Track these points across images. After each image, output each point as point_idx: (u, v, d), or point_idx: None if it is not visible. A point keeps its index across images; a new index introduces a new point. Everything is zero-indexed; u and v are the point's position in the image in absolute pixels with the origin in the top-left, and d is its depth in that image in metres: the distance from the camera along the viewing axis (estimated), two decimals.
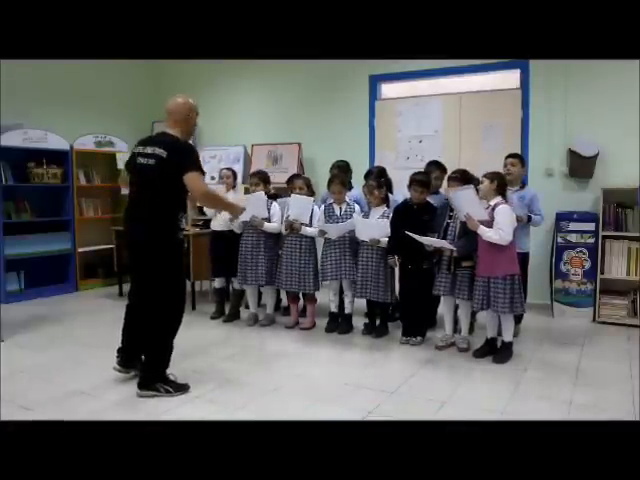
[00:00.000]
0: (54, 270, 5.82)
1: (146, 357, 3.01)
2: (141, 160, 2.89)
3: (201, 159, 2.98)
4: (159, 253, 2.90)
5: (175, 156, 2.81)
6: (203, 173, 2.91)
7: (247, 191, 4.70)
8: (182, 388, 3.01)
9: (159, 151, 2.82)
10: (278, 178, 5.56)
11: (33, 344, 3.99)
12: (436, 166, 4.24)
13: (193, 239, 4.92)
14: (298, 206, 4.11)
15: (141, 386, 2.96)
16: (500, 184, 3.47)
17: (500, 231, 3.34)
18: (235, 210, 3.43)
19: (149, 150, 2.87)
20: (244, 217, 4.10)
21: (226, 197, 3.71)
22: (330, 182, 4.18)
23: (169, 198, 2.88)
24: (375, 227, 3.90)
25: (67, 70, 5.79)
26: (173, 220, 2.92)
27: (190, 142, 3.03)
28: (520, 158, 4.13)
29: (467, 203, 3.42)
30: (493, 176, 3.48)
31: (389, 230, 3.82)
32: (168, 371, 3.04)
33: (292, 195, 4.17)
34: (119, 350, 3.19)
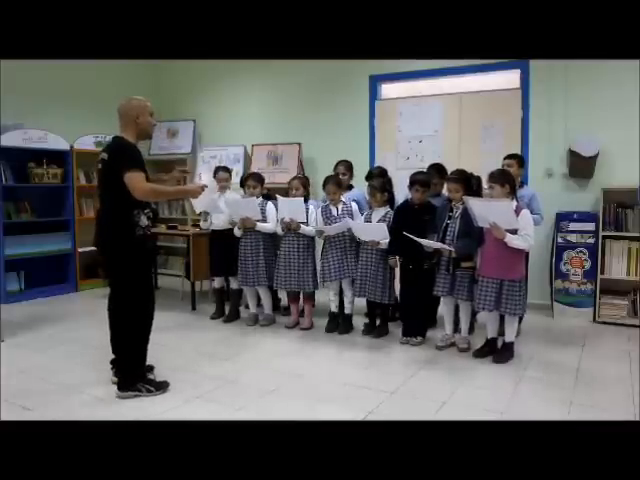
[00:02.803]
0: (54, 270, 5.82)
1: (121, 360, 3.02)
2: (98, 166, 3.00)
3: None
4: (118, 254, 2.92)
5: (114, 157, 2.89)
6: (142, 170, 2.90)
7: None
8: (162, 386, 3.04)
9: (104, 155, 2.94)
10: (278, 178, 5.57)
11: (33, 344, 3.99)
12: (436, 171, 4.20)
13: (193, 239, 4.93)
14: (289, 208, 4.12)
15: (121, 387, 2.97)
16: (511, 185, 3.45)
17: (528, 237, 3.34)
18: (189, 192, 3.41)
19: (102, 155, 2.98)
20: (235, 218, 4.25)
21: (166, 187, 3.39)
22: (325, 183, 4.18)
23: (117, 198, 2.88)
24: (372, 230, 3.91)
25: (67, 70, 5.79)
26: (127, 218, 2.89)
27: (134, 143, 3.01)
28: (518, 159, 4.12)
29: (498, 214, 3.30)
30: (502, 179, 3.43)
31: (386, 232, 3.82)
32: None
33: (279, 198, 4.19)
34: (112, 362, 3.20)
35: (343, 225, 4.03)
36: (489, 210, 3.34)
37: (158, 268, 6.23)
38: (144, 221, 2.94)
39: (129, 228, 2.89)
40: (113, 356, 3.20)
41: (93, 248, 5.72)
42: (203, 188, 3.28)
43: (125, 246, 2.91)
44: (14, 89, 5.35)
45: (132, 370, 3.00)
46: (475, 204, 3.40)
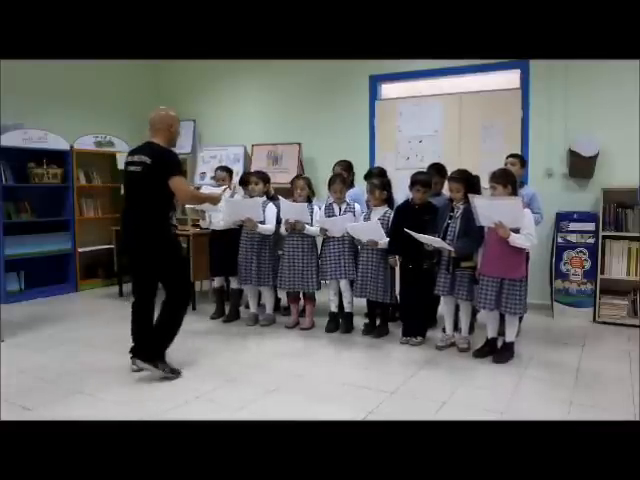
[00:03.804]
0: (54, 270, 5.82)
1: (156, 333, 3.21)
2: (131, 168, 3.17)
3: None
4: (158, 249, 3.16)
5: (158, 162, 3.08)
6: (184, 175, 3.23)
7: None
8: (175, 372, 3.22)
9: (144, 158, 3.10)
10: (279, 178, 5.56)
11: (33, 344, 3.99)
12: (436, 171, 4.20)
13: (193, 239, 4.92)
14: (292, 211, 4.11)
15: (142, 357, 3.15)
16: (513, 186, 3.44)
17: (530, 236, 3.35)
18: (214, 200, 3.63)
19: (136, 158, 3.15)
20: (236, 219, 4.26)
21: (201, 192, 4.14)
22: (331, 181, 4.18)
23: (157, 200, 3.13)
24: (368, 229, 3.90)
25: (67, 70, 5.79)
26: (164, 219, 3.20)
27: (172, 149, 3.27)
28: (520, 158, 4.14)
29: (504, 213, 3.28)
30: (505, 180, 3.41)
31: (382, 231, 3.82)
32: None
33: (282, 200, 4.18)
34: (131, 350, 3.28)
35: (344, 220, 4.00)
36: (495, 209, 3.32)
37: None
38: (174, 220, 3.29)
39: (169, 228, 3.25)
40: (131, 346, 3.29)
41: (94, 248, 5.91)
42: (223, 191, 3.82)
43: (169, 244, 3.24)
44: (14, 89, 5.34)
45: (160, 348, 3.20)
46: (480, 203, 3.38)
